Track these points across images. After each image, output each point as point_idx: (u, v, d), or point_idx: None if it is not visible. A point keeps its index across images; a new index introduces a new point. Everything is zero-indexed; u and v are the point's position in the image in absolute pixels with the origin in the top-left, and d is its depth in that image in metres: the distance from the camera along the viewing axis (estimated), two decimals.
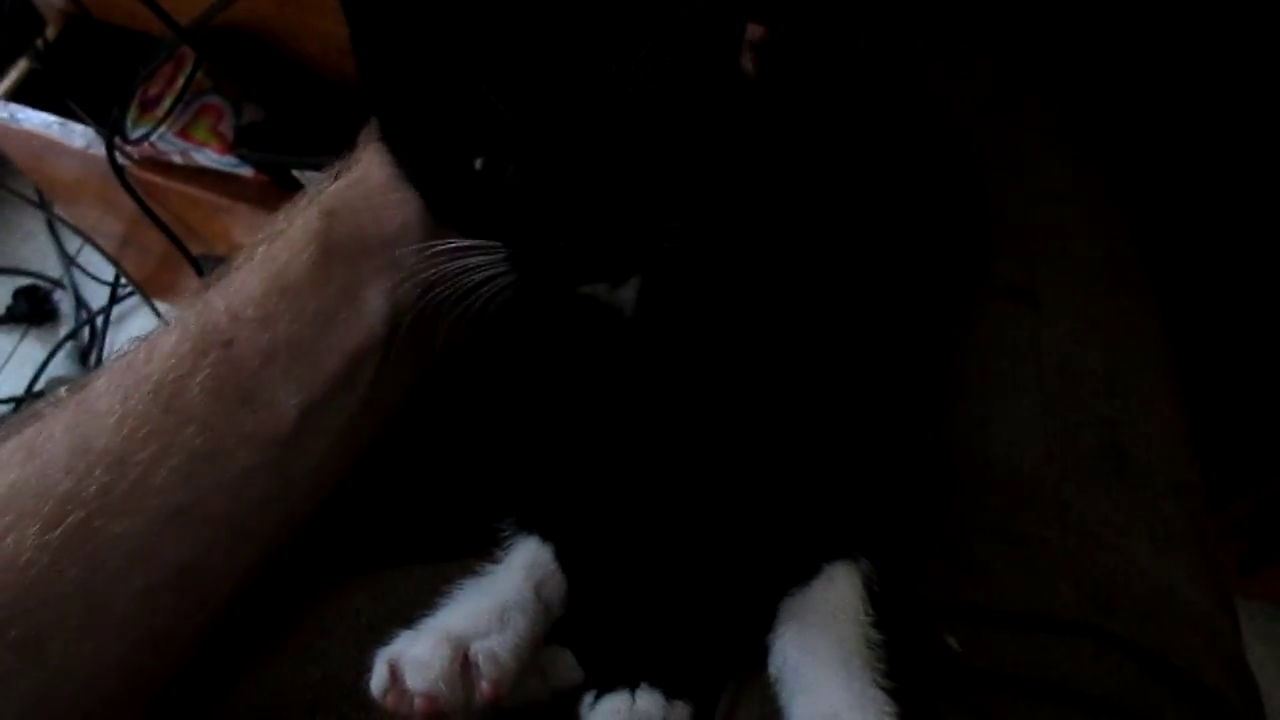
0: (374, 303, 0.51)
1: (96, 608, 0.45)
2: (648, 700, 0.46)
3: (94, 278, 1.73)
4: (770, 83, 0.47)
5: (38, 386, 1.65)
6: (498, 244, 0.43)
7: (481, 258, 0.43)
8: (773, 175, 0.46)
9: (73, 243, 1.72)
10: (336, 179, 0.53)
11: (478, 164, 0.41)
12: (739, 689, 0.50)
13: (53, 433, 0.46)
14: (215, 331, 0.49)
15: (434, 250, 0.45)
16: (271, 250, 0.51)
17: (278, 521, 0.51)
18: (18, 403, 1.63)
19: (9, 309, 1.72)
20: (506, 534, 0.51)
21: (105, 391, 0.48)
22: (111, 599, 0.45)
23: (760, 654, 0.48)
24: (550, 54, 0.38)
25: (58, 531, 0.44)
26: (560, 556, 0.49)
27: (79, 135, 1.15)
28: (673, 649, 0.49)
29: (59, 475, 0.45)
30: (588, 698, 0.48)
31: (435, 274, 0.45)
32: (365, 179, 0.52)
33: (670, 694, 0.47)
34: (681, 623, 0.50)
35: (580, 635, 0.50)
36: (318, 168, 1.03)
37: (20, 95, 1.18)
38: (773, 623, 0.48)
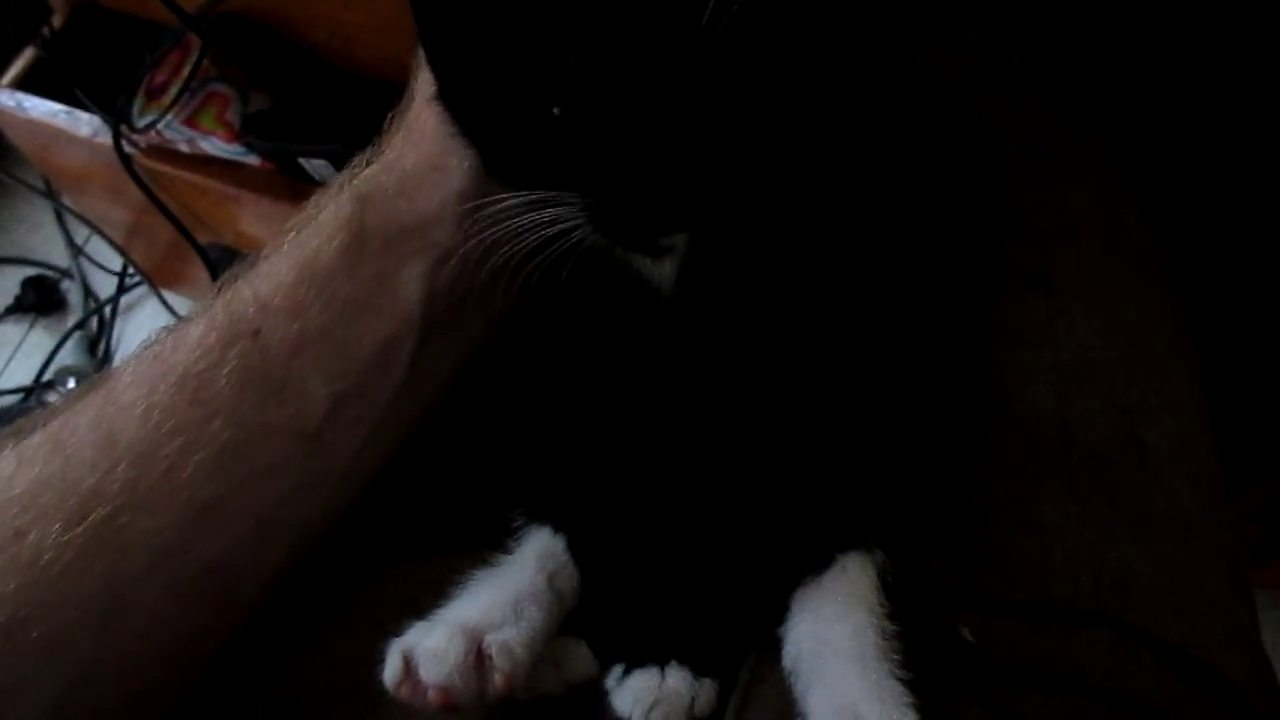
0: (410, 287, 0.49)
1: (121, 607, 0.44)
2: (677, 678, 0.46)
3: (102, 267, 1.73)
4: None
5: (46, 376, 1.65)
6: (570, 195, 0.41)
7: (553, 210, 0.41)
8: (810, 153, 0.45)
9: (80, 232, 1.72)
10: (369, 164, 0.51)
11: (555, 110, 0.40)
12: (750, 680, 0.50)
13: (78, 426, 0.46)
14: (243, 321, 0.48)
15: (501, 206, 0.43)
16: (301, 238, 0.50)
17: (308, 518, 0.50)
18: (27, 392, 1.63)
19: (17, 299, 1.72)
20: (518, 524, 0.51)
21: (132, 383, 0.47)
22: (137, 598, 0.44)
23: (773, 644, 0.48)
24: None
25: (81, 528, 0.43)
26: (573, 547, 0.49)
27: (85, 124, 1.15)
28: (697, 629, 0.49)
29: (84, 470, 0.44)
30: (615, 671, 0.48)
31: (499, 232, 0.43)
32: (400, 160, 0.50)
33: (699, 671, 0.47)
34: (696, 608, 0.50)
35: (595, 624, 0.50)
36: (325, 156, 1.02)
37: (27, 84, 1.18)
38: (786, 613, 0.48)
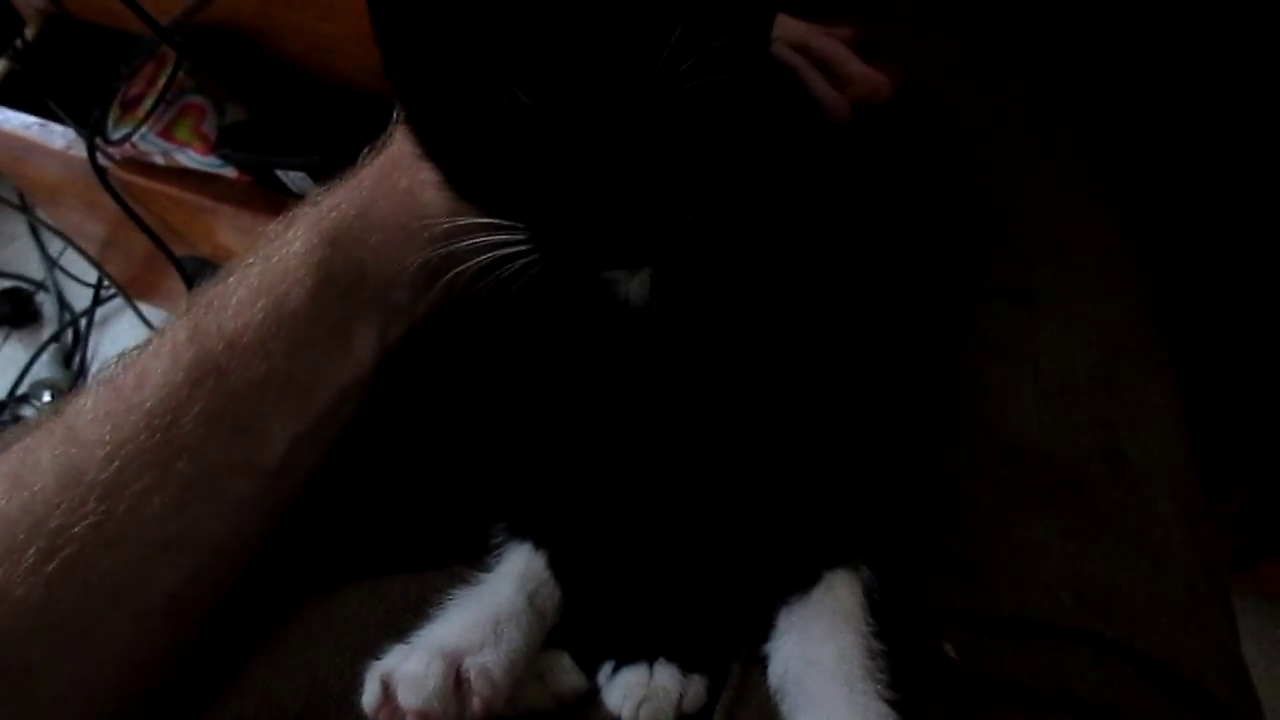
0: (365, 338, 0.52)
1: (88, 637, 0.45)
2: (665, 674, 0.46)
3: (77, 280, 1.72)
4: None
5: (21, 390, 1.63)
6: (521, 224, 0.42)
7: (505, 236, 0.43)
8: (785, 171, 0.45)
9: (55, 245, 1.71)
10: (336, 197, 0.53)
11: (507, 144, 0.41)
12: (741, 678, 0.49)
13: (39, 461, 0.46)
14: (210, 359, 0.48)
15: (457, 226, 0.45)
16: (270, 275, 0.51)
17: (259, 542, 0.51)
18: (1, 406, 1.61)
19: None
20: (498, 541, 0.50)
21: (94, 419, 0.47)
22: (103, 628, 0.45)
23: (759, 660, 0.47)
24: (584, 39, 0.38)
25: (51, 566, 0.43)
26: (554, 564, 0.49)
27: (59, 136, 1.14)
28: (684, 631, 0.49)
29: (49, 509, 0.45)
30: (605, 668, 0.48)
31: (454, 247, 0.45)
32: (371, 207, 0.52)
33: (687, 669, 0.47)
34: (681, 616, 0.49)
35: (579, 633, 0.49)
36: (302, 168, 1.02)
37: None
38: (772, 630, 0.47)
